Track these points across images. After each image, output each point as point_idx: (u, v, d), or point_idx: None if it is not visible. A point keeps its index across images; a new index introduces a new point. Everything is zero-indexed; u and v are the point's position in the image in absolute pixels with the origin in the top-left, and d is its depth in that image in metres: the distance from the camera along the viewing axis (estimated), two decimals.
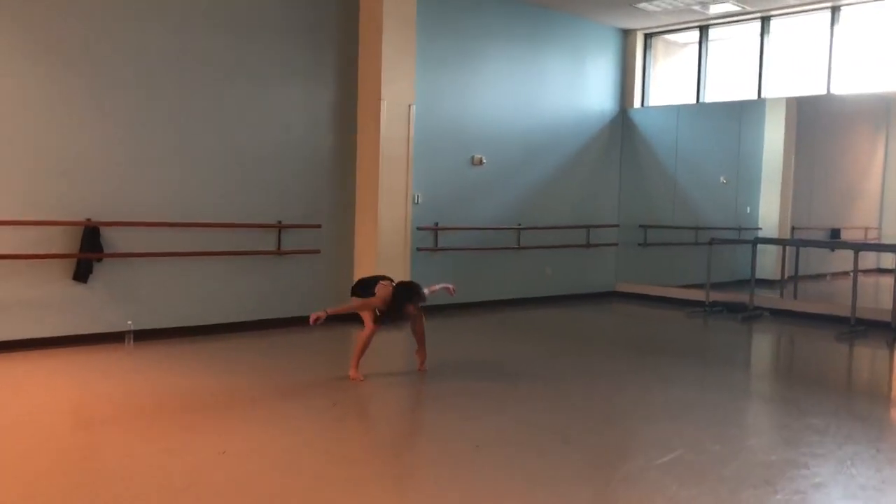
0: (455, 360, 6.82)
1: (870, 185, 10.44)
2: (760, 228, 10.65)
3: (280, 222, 7.96)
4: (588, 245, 11.01)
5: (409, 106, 8.51)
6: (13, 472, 3.86)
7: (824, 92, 9.89)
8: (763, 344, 8.71)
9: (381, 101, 8.26)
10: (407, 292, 5.92)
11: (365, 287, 6.02)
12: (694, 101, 11.07)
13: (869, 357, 7.81)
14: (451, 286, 6.37)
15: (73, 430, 4.65)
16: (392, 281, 6.04)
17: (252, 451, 4.24)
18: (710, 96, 11.00)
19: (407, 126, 8.51)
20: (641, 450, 4.45)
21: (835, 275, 10.81)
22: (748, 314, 9.53)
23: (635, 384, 6.09)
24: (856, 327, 8.49)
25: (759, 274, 10.07)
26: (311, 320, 5.57)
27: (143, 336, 7.05)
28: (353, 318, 6.28)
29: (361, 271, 8.29)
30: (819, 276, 10.66)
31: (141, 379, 5.82)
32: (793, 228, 10.37)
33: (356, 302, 5.95)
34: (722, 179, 11.27)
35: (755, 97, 10.51)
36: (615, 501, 3.66)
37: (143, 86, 7.08)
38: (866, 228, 10.52)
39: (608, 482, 3.87)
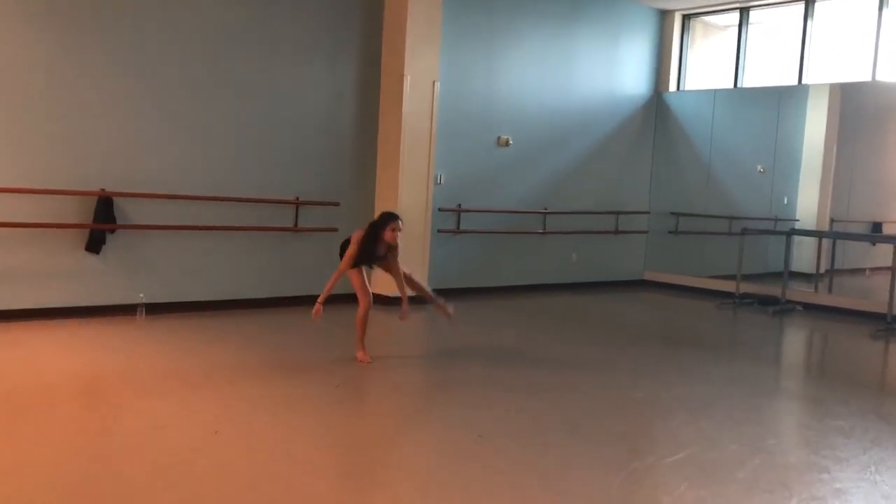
0: (471, 345, 6.64)
1: None
2: (798, 220, 10.27)
3: (298, 198, 7.82)
4: (617, 232, 10.72)
5: (434, 82, 8.29)
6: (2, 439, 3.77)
7: (869, 79, 9.46)
8: (793, 339, 8.38)
9: (405, 77, 8.05)
10: (380, 218, 5.71)
11: (347, 243, 5.80)
12: (732, 86, 10.68)
13: None
14: (449, 309, 6.05)
15: (65, 403, 4.56)
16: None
17: (246, 433, 4.10)
18: (748, 81, 10.60)
19: (431, 103, 8.30)
20: (653, 445, 4.23)
21: (874, 270, 10.41)
22: (780, 308, 9.19)
23: (655, 377, 5.85)
24: (892, 325, 8.12)
25: (795, 267, 9.73)
26: (314, 316, 5.43)
27: (155, 310, 6.97)
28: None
29: None
30: (857, 271, 10.27)
31: (147, 353, 5.73)
32: (832, 221, 9.97)
33: (340, 266, 5.70)
34: (759, 168, 10.88)
35: (796, 83, 10.09)
36: (618, 499, 3.45)
37: (163, 57, 6.96)
38: None
39: (613, 478, 3.65)
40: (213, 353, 5.81)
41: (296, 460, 3.73)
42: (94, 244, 6.68)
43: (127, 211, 6.85)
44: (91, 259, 6.72)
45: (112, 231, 6.77)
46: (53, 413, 4.29)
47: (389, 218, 5.71)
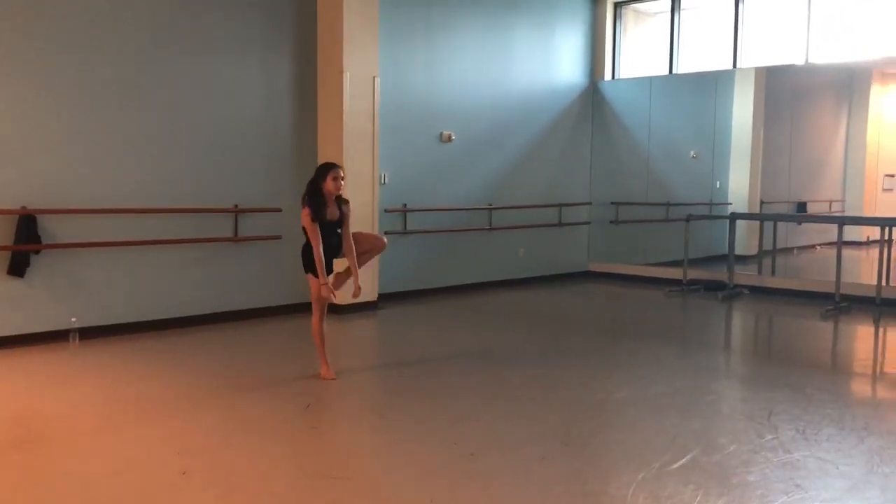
0: (431, 351, 6.35)
1: (834, 157, 10.23)
2: (731, 203, 10.35)
3: (237, 206, 7.36)
4: (560, 224, 10.59)
5: (374, 78, 7.94)
6: None
7: (802, 62, 9.57)
8: (749, 324, 8.39)
9: (343, 73, 7.68)
10: (317, 171, 5.28)
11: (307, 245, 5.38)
12: (666, 73, 10.68)
13: (859, 335, 7.53)
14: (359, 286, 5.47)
15: (6, 448, 4.06)
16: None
17: (216, 471, 3.71)
18: (683, 67, 10.61)
19: (372, 100, 7.94)
20: (651, 451, 4.02)
21: (801, 248, 10.62)
22: (728, 293, 9.21)
23: (629, 373, 5.69)
24: (840, 304, 8.21)
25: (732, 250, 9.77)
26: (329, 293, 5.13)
27: (90, 334, 6.42)
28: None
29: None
30: (786, 251, 10.42)
31: (86, 383, 5.24)
32: (762, 203, 10.10)
33: (309, 236, 5.25)
34: (692, 154, 10.95)
35: (730, 67, 10.15)
36: None
37: (84, 58, 6.41)
38: (831, 201, 10.31)
39: (623, 492, 3.43)
40: (162, 379, 5.34)
41: (278, 498, 3.37)
42: (17, 267, 6.10)
43: (52, 229, 6.28)
44: (15, 283, 6.13)
45: (36, 252, 6.19)
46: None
47: (327, 167, 5.28)
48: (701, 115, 10.76)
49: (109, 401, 4.84)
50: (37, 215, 6.16)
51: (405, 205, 8.66)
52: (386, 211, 8.39)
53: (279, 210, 7.61)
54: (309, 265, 5.27)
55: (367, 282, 7.88)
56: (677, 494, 3.41)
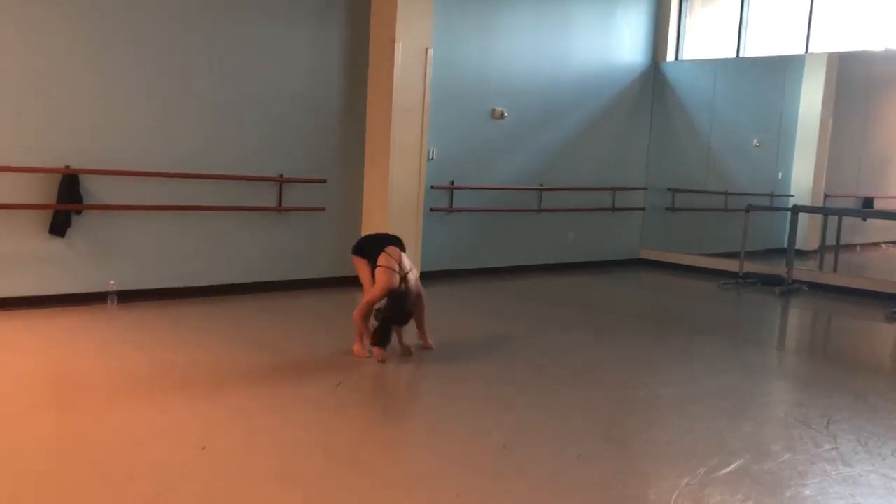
0: (472, 334, 6.14)
1: None
2: (793, 195, 9.89)
3: (282, 175, 7.22)
4: (613, 209, 10.25)
5: (427, 49, 7.70)
6: None
7: (881, 49, 9.03)
8: (807, 322, 7.98)
9: (396, 44, 7.45)
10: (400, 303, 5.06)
11: (369, 249, 5.26)
12: (733, 55, 10.20)
13: None
14: (431, 342, 5.43)
15: (37, 406, 3.98)
16: (400, 247, 5.28)
17: (237, 447, 3.57)
18: (751, 50, 10.13)
19: (423, 72, 7.70)
20: (697, 454, 3.76)
21: (865, 246, 10.11)
22: (786, 288, 8.79)
23: (677, 369, 5.41)
24: None
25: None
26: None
27: (128, 297, 6.37)
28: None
29: (369, 232, 7.55)
30: (849, 247, 9.93)
31: (121, 348, 5.15)
32: (826, 196, 9.62)
33: (365, 288, 5.19)
34: (755, 142, 10.49)
35: (802, 52, 9.64)
36: None
37: (133, 21, 6.30)
38: None
39: (666, 498, 3.18)
40: (193, 348, 5.23)
41: (298, 481, 3.21)
42: (59, 226, 6.05)
43: (94, 190, 6.22)
44: (56, 243, 6.09)
45: (78, 212, 6.13)
46: (12, 425, 3.72)
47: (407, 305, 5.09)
48: (766, 102, 10.28)
49: (141, 367, 4.74)
50: (80, 175, 6.10)
51: (452, 182, 8.43)
52: (432, 187, 8.18)
53: (324, 181, 7.45)
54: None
55: (412, 259, 7.74)
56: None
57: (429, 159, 8.11)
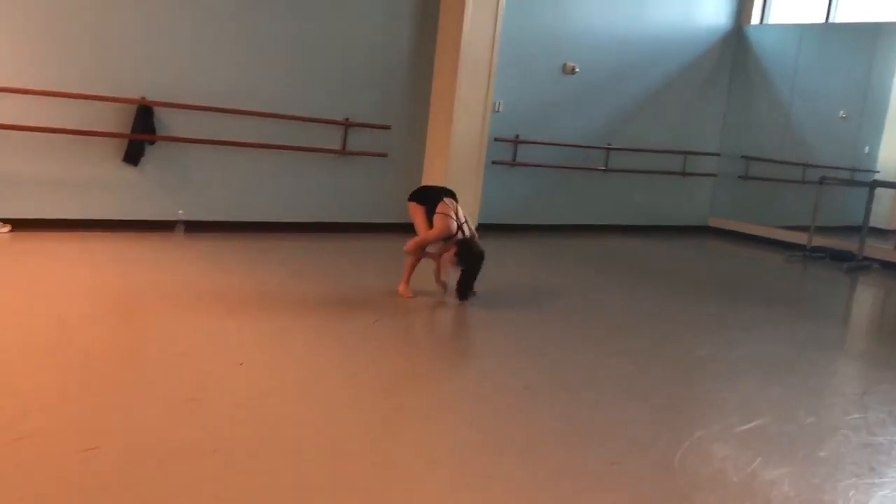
0: (520, 287, 6.22)
1: None
2: (878, 171, 9.51)
3: (347, 119, 7.38)
4: (684, 173, 10.07)
5: (498, 2, 7.68)
6: (23, 358, 3.50)
7: None
8: (870, 300, 7.76)
9: None
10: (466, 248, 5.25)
11: (427, 198, 5.38)
12: (823, 20, 9.79)
13: None
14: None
15: (93, 320, 4.28)
16: (454, 199, 5.39)
17: (272, 366, 3.78)
18: (842, 15, 9.70)
19: (493, 25, 7.70)
20: (719, 412, 3.79)
21: None
22: (855, 264, 8.54)
23: (721, 334, 5.38)
24: None
25: (871, 222, 9.00)
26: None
27: (195, 227, 6.68)
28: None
29: (429, 181, 7.70)
30: None
31: (180, 272, 5.45)
32: None
33: (420, 232, 5.30)
34: (841, 114, 10.08)
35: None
36: (681, 474, 3.04)
37: None
38: None
39: (675, 447, 3.24)
40: (251, 276, 5.49)
41: (318, 405, 3.39)
42: (133, 156, 6.37)
43: (168, 122, 6.50)
44: (129, 171, 6.42)
45: (151, 142, 6.44)
46: (78, 330, 4.02)
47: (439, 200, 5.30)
48: (855, 72, 9.84)
49: (197, 289, 5.01)
50: (154, 107, 6.38)
51: (517, 136, 8.44)
52: (496, 140, 8.21)
53: (388, 128, 7.59)
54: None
55: (470, 211, 7.82)
56: (732, 458, 3.19)
57: (494, 112, 8.13)
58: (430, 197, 5.38)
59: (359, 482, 2.71)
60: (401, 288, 5.31)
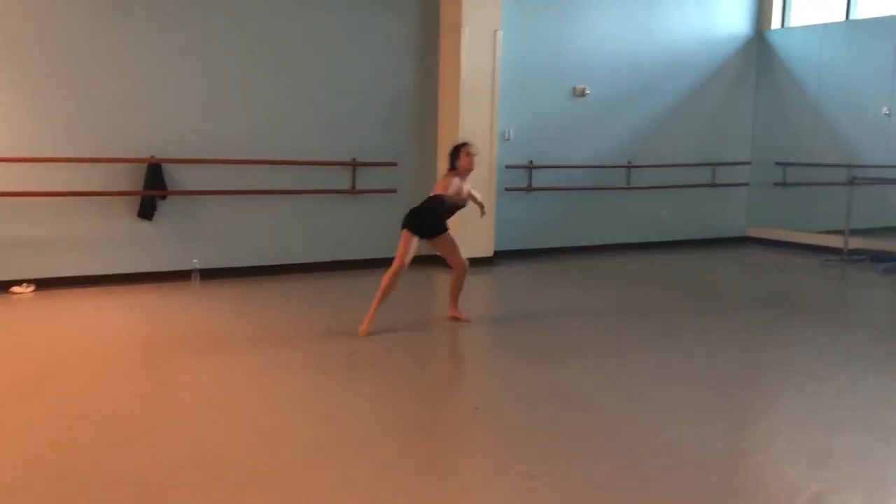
0: (538, 310, 6.25)
1: None
2: None
3: (354, 160, 7.61)
4: (714, 184, 9.90)
5: (495, 32, 7.82)
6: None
7: None
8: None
9: (462, 28, 7.64)
10: (452, 151, 5.49)
11: (413, 212, 5.54)
12: (848, 17, 9.51)
13: None
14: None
15: (114, 371, 4.54)
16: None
17: (234, 403, 3.95)
18: (862, 12, 9.41)
19: (492, 55, 7.84)
20: (652, 421, 3.74)
21: None
22: (893, 265, 8.18)
23: (774, 359, 4.98)
24: None
25: None
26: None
27: (210, 275, 6.98)
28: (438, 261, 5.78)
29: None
30: None
31: (193, 319, 5.71)
32: None
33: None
34: (884, 110, 9.69)
35: None
36: None
37: (208, 17, 6.88)
38: None
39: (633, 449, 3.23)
40: (260, 318, 5.72)
41: (267, 434, 3.53)
42: (146, 211, 6.75)
43: (178, 177, 6.87)
44: (144, 226, 6.80)
45: (163, 197, 6.81)
46: (97, 379, 4.28)
47: (460, 146, 5.52)
48: (885, 66, 9.47)
49: (209, 334, 5.26)
50: (163, 164, 6.76)
51: (531, 161, 8.51)
52: (508, 167, 8.30)
53: (395, 164, 7.78)
54: (413, 223, 5.37)
55: (483, 237, 7.92)
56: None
57: (505, 140, 8.24)
58: (426, 225, 5.44)
59: None
60: (362, 327, 5.28)
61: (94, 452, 3.28)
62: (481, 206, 5.72)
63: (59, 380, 4.26)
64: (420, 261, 5.90)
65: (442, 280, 7.35)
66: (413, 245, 5.39)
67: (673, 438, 3.50)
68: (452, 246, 5.58)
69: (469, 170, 5.45)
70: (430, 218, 5.41)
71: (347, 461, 3.26)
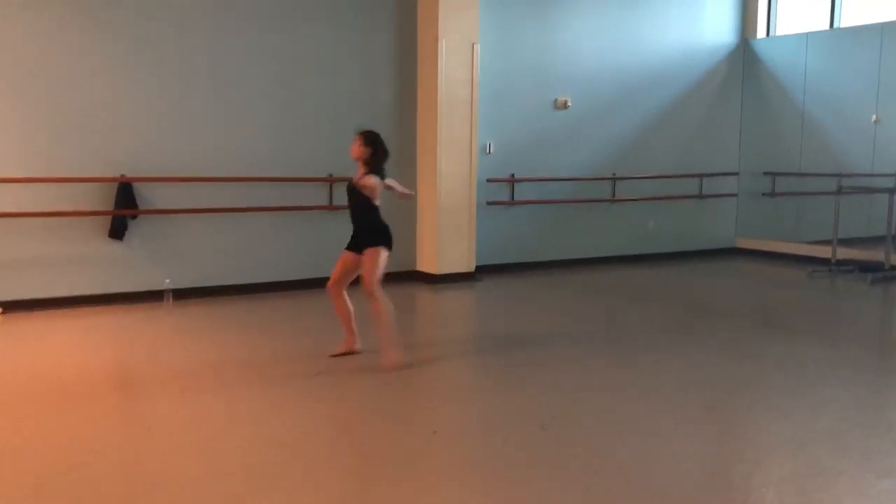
0: (519, 328, 6.13)
1: None
2: None
3: (331, 175, 7.51)
4: (701, 196, 9.79)
5: (473, 45, 7.74)
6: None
7: None
8: (881, 312, 7.26)
9: (439, 41, 7.55)
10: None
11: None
12: (836, 25, 9.41)
13: None
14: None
15: (91, 397, 4.42)
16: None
17: (208, 440, 3.83)
18: (846, 19, 9.31)
19: (470, 67, 7.75)
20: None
21: None
22: (880, 276, 8.06)
23: (751, 374, 4.85)
24: None
25: None
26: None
27: (183, 294, 6.87)
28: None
29: (422, 226, 7.81)
30: None
31: (172, 343, 5.58)
32: None
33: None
34: (873, 118, 9.58)
35: None
36: None
37: (179, 33, 6.81)
38: None
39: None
40: (232, 342, 5.58)
41: (227, 461, 3.41)
42: (117, 230, 6.64)
43: (149, 196, 6.77)
44: (115, 246, 6.69)
45: (134, 217, 6.71)
46: (71, 407, 4.16)
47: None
48: (890, 74, 9.30)
49: (176, 357, 5.16)
50: (133, 182, 6.66)
51: (513, 175, 8.40)
52: (489, 181, 8.20)
53: None
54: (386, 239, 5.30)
55: (465, 253, 7.82)
56: None
57: (486, 153, 8.15)
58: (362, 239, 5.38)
59: None
60: (349, 345, 5.22)
61: (29, 482, 3.16)
62: (400, 192, 5.64)
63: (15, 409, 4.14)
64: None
65: (423, 298, 7.26)
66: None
67: (638, 454, 3.38)
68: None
69: (355, 158, 5.40)
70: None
71: (295, 488, 3.13)
